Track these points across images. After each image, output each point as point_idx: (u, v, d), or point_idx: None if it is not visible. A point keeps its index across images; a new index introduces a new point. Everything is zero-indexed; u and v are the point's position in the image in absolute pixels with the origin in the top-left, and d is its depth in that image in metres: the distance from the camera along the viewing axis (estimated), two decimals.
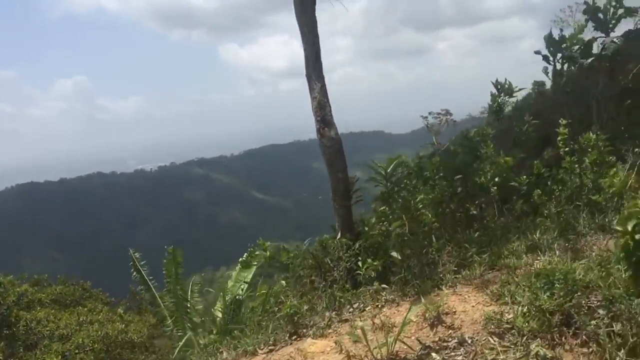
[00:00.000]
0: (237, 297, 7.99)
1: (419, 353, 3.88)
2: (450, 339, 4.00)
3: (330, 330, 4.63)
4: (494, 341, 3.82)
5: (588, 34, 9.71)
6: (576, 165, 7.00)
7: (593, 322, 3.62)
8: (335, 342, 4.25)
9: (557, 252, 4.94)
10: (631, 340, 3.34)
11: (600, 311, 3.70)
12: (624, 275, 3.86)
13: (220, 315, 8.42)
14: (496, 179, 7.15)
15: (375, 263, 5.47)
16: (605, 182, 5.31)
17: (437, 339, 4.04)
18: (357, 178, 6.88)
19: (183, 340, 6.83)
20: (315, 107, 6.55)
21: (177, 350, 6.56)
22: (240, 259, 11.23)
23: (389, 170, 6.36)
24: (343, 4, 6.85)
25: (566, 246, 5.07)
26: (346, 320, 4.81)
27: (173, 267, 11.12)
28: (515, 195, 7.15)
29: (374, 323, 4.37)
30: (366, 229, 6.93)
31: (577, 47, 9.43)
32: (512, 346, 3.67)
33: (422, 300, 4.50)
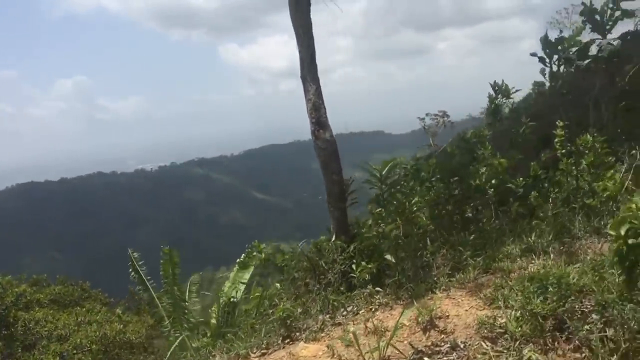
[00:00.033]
0: (231, 299, 7.94)
1: (411, 358, 3.86)
2: (442, 344, 3.98)
3: (323, 334, 4.61)
4: (487, 346, 3.80)
5: (585, 35, 9.71)
6: (573, 168, 6.96)
7: (586, 327, 3.60)
8: (328, 346, 4.23)
9: (552, 256, 4.92)
10: (623, 345, 3.32)
11: (594, 316, 3.68)
12: (617, 280, 3.83)
13: (214, 318, 8.38)
14: (493, 181, 7.11)
15: (369, 266, 5.44)
16: (599, 186, 5.28)
17: (429, 343, 4.02)
18: (352, 180, 6.86)
19: (176, 343, 6.80)
20: (310, 109, 6.53)
21: (169, 353, 6.53)
22: (238, 259, 11.21)
23: (384, 173, 6.34)
24: (338, 4, 6.83)
25: (561, 249, 5.04)
26: (339, 324, 4.79)
27: (170, 268, 11.10)
28: (512, 198, 7.12)
29: (366, 327, 4.35)
30: (363, 230, 6.90)
31: (574, 48, 9.41)
32: (505, 351, 3.65)
33: (415, 304, 4.48)
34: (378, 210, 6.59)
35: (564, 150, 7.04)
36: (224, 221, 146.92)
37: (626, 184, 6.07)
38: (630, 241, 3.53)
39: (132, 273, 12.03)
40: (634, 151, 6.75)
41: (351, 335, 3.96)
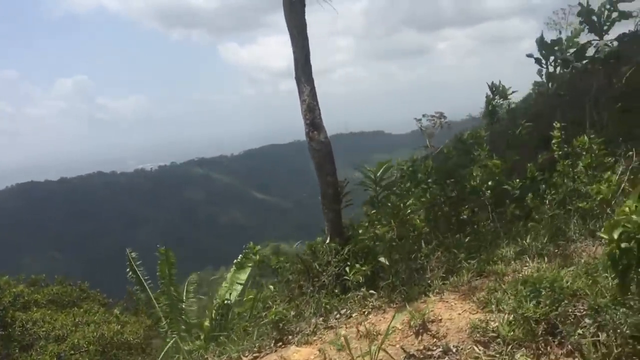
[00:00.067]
0: (225, 301, 7.91)
1: None
2: (434, 348, 3.95)
3: (315, 337, 4.58)
4: (479, 350, 3.77)
5: (582, 37, 9.67)
6: (570, 169, 6.93)
7: (579, 331, 3.57)
8: (320, 350, 4.20)
9: (546, 259, 4.88)
10: (616, 351, 3.28)
11: (587, 320, 3.65)
12: (610, 284, 3.80)
13: (207, 320, 8.35)
14: (489, 183, 7.08)
15: (363, 268, 5.41)
16: (593, 189, 5.24)
17: (421, 347, 3.99)
18: (347, 182, 6.82)
19: (168, 346, 6.76)
20: (305, 110, 6.49)
21: (161, 356, 6.50)
22: (235, 260, 11.17)
23: (378, 174, 6.30)
24: (332, 5, 6.79)
25: (555, 252, 5.01)
26: (332, 327, 4.76)
27: (166, 268, 11.07)
28: (509, 199, 7.08)
29: (358, 331, 4.31)
30: (360, 232, 6.85)
31: (572, 50, 9.37)
32: (497, 355, 3.62)
33: (408, 307, 4.45)
34: (373, 211, 6.55)
35: (561, 152, 7.00)
36: (224, 221, 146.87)
37: (623, 186, 6.02)
38: (623, 245, 3.50)
39: (130, 273, 12.01)
40: (630, 152, 6.71)
41: (342, 339, 3.93)
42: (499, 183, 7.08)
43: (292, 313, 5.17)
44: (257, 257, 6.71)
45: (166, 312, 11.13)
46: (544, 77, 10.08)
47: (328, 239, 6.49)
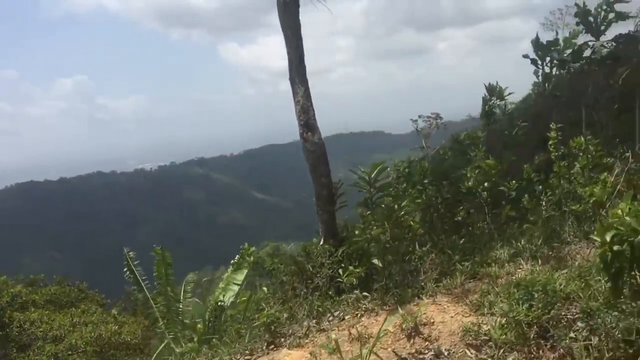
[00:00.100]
0: (219, 303, 7.86)
1: None
2: (426, 351, 3.92)
3: (307, 340, 4.55)
4: (471, 354, 3.74)
5: (579, 37, 9.63)
6: (566, 170, 6.89)
7: (571, 335, 3.54)
8: (311, 354, 4.17)
9: (540, 261, 4.85)
10: (607, 355, 3.25)
11: (579, 324, 3.62)
12: (603, 287, 3.77)
13: (200, 322, 8.31)
14: (485, 184, 7.04)
15: (357, 270, 5.38)
16: (586, 191, 5.20)
17: (413, 350, 3.96)
18: (342, 183, 6.78)
19: (160, 348, 6.73)
20: (299, 111, 6.46)
21: (153, 357, 6.46)
22: (232, 260, 11.13)
23: (372, 176, 6.26)
24: (327, 6, 6.75)
25: (549, 255, 4.97)
26: (325, 330, 4.73)
27: (163, 268, 11.03)
28: (504, 201, 7.04)
29: (350, 333, 4.28)
30: (356, 233, 6.81)
31: (568, 51, 9.34)
32: (489, 359, 3.59)
33: (400, 310, 4.41)
34: (368, 213, 6.51)
35: (558, 153, 6.97)
36: (223, 221, 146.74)
37: (618, 188, 5.98)
38: (615, 247, 3.46)
39: (127, 273, 11.96)
40: (626, 154, 6.67)
41: (334, 342, 3.90)
42: (495, 184, 7.05)
43: (285, 315, 5.14)
44: (252, 258, 6.68)
45: (163, 312, 11.10)
46: (540, 77, 10.05)
47: (322, 240, 6.45)
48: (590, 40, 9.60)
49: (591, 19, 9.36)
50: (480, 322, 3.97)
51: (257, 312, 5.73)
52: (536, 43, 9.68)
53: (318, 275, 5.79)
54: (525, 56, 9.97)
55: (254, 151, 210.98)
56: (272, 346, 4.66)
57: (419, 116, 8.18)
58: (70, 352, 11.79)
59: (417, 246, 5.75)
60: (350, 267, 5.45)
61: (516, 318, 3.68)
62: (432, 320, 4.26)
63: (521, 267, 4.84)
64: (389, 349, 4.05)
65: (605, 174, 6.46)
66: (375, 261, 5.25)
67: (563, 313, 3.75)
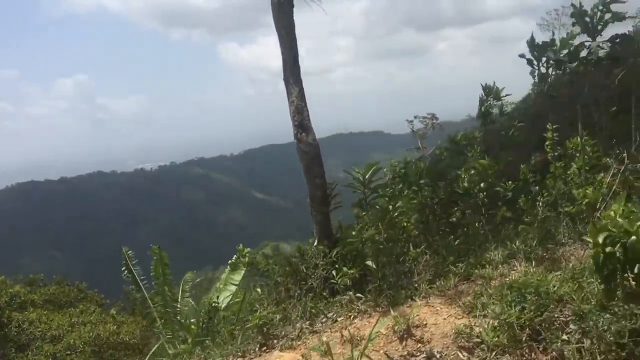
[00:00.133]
0: (213, 303, 7.84)
1: None
2: (418, 353, 3.90)
3: (300, 342, 4.52)
4: (463, 356, 3.72)
5: (576, 38, 9.61)
6: (562, 171, 6.86)
7: (564, 337, 3.51)
8: (302, 356, 4.15)
9: (534, 263, 4.82)
10: (599, 357, 3.23)
11: (572, 326, 3.59)
12: (596, 289, 3.74)
13: (194, 323, 8.28)
14: (481, 185, 7.00)
15: (350, 271, 5.35)
16: (579, 193, 5.18)
17: (405, 353, 3.94)
18: (336, 184, 6.75)
19: (153, 349, 6.71)
20: (293, 112, 6.43)
21: (147, 358, 6.44)
22: (230, 261, 11.10)
23: (367, 176, 6.23)
24: (322, 6, 6.72)
25: (544, 256, 4.95)
26: (317, 332, 4.71)
27: (160, 268, 10.99)
28: (500, 202, 7.01)
29: (342, 335, 4.26)
30: (353, 233, 6.77)
31: (565, 51, 9.32)
32: None
33: (392, 312, 4.39)
34: (363, 214, 6.49)
35: (554, 154, 6.94)
36: (223, 221, 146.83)
37: (614, 188, 5.96)
38: (607, 249, 3.44)
39: (126, 272, 11.93)
40: (623, 154, 6.64)
41: (325, 345, 3.87)
42: (491, 185, 7.02)
43: (278, 317, 5.11)
44: (246, 259, 6.65)
45: (161, 312, 11.07)
46: (536, 78, 10.03)
47: (316, 241, 6.43)
48: (586, 41, 9.57)
49: (587, 19, 9.33)
50: (472, 324, 3.94)
51: (251, 313, 5.71)
52: (531, 43, 9.66)
53: (312, 276, 5.77)
54: (522, 56, 9.95)
55: (253, 151, 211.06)
56: (265, 348, 4.64)
57: (415, 117, 8.15)
58: (68, 352, 11.80)
59: (411, 247, 5.72)
60: (344, 268, 5.42)
61: (508, 320, 3.65)
62: (424, 322, 4.23)
63: (515, 268, 4.81)
64: (381, 351, 4.02)
65: (602, 174, 6.44)
66: (369, 262, 5.22)
67: (555, 315, 3.72)
